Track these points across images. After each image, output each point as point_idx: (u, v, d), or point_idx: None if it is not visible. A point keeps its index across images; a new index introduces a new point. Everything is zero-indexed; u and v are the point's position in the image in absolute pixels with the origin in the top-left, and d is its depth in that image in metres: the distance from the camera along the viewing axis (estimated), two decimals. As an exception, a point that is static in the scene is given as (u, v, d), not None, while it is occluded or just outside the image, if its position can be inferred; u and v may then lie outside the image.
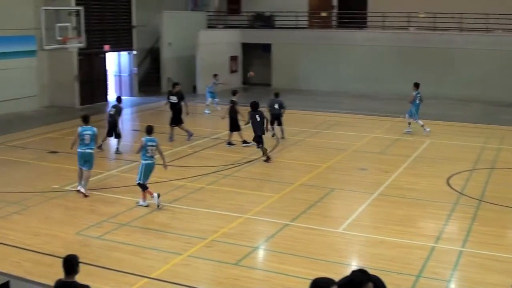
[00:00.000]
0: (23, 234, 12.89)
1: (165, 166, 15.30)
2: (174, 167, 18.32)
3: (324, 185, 16.45)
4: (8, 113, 27.15)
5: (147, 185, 14.67)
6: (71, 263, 7.70)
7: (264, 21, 39.07)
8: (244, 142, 20.92)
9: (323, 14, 39.23)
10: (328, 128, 24.37)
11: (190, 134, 21.91)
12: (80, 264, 7.82)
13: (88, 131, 15.34)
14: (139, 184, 14.66)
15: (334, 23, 39.26)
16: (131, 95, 33.43)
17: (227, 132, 21.26)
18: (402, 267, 11.14)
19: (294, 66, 36.74)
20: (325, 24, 39.08)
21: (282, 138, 22.19)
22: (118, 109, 20.17)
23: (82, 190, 15.40)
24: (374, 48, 34.63)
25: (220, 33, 38.66)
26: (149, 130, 14.81)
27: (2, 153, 20.19)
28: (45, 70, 30.01)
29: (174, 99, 21.87)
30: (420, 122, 23.05)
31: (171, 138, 21.70)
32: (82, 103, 29.93)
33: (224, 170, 18.04)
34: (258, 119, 19.30)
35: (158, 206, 14.42)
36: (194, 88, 34.51)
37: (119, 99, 20.86)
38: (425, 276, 10.82)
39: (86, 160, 15.40)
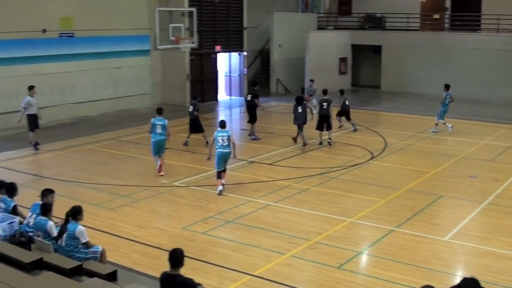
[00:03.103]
0: (131, 226, 13.34)
1: (234, 156, 16.44)
2: (281, 167, 18.48)
3: (431, 192, 16.06)
4: (122, 109, 28.21)
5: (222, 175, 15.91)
6: (177, 257, 7.91)
7: (375, 22, 38.59)
8: (323, 142, 21.63)
9: (435, 16, 38.30)
10: (438, 134, 23.78)
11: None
12: (185, 258, 8.01)
13: (160, 121, 17.34)
14: (216, 172, 15.98)
15: (446, 25, 38.26)
16: (241, 95, 33.85)
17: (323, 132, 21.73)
18: (510, 280, 10.70)
19: (404, 68, 36.05)
20: (437, 26, 38.14)
21: (355, 130, 23.72)
22: (194, 106, 21.27)
23: (159, 161, 17.50)
24: (487, 52, 33.33)
25: (330, 34, 38.54)
26: (222, 125, 16.22)
27: (114, 148, 21.00)
28: (158, 69, 30.95)
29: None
30: (442, 121, 23.78)
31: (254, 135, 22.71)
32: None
33: (331, 172, 17.97)
34: (300, 110, 21.00)
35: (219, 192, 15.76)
36: (302, 90, 34.57)
37: (194, 97, 22.14)
38: (535, 291, 10.39)
39: (161, 146, 17.41)
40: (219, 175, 15.86)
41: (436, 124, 23.90)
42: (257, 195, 15.53)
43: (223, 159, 15.85)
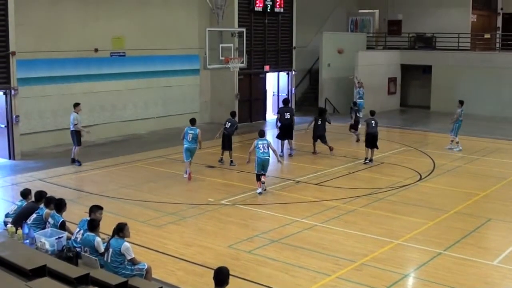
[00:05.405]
0: (177, 244, 13.41)
1: (278, 161, 19.47)
2: (328, 187, 18.39)
3: (480, 214, 15.75)
4: (171, 127, 28.43)
5: (261, 178, 17.45)
6: (222, 275, 7.92)
7: (424, 42, 38.27)
8: (370, 160, 21.69)
9: (486, 35, 37.78)
10: (488, 155, 23.38)
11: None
12: (230, 277, 8.02)
13: (192, 131, 18.88)
14: (256, 175, 17.56)
15: (497, 45, 37.69)
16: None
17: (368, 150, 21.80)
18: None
19: (454, 89, 35.35)
20: (488, 46, 37.60)
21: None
22: (233, 124, 21.49)
23: (189, 170, 19.07)
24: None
25: (379, 54, 38.36)
26: (261, 134, 18.02)
27: (163, 166, 21.18)
28: (207, 88, 31.27)
29: None
30: (457, 139, 24.03)
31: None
32: (239, 121, 30.68)
33: (378, 193, 17.82)
34: (319, 123, 22.87)
35: (259, 193, 17.44)
36: (350, 110, 34.35)
37: (233, 114, 22.49)
38: None
39: (191, 152, 18.96)
40: (258, 177, 17.46)
41: (452, 141, 24.17)
42: (304, 215, 15.47)
43: (263, 164, 17.37)
